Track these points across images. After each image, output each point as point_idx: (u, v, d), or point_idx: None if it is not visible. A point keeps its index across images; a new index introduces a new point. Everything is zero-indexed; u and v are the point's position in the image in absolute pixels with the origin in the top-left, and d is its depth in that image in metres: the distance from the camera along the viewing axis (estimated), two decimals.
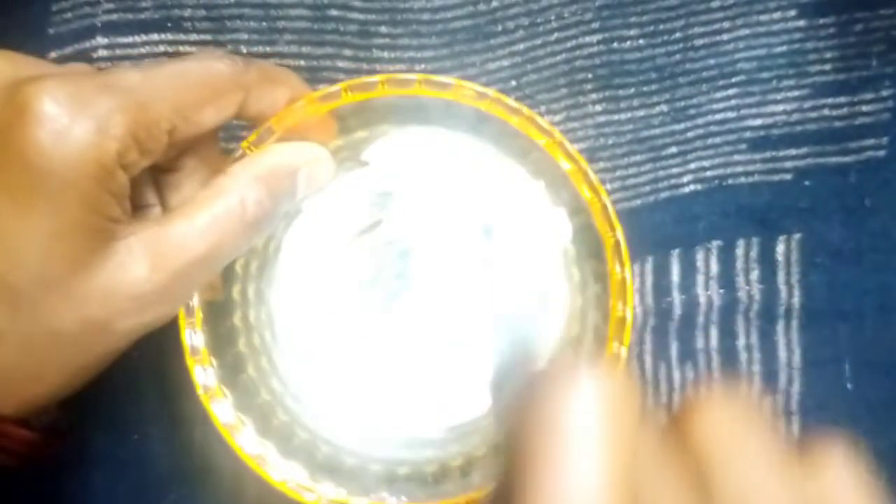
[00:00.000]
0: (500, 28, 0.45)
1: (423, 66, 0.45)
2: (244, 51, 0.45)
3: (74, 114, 0.31)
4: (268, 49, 0.45)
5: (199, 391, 0.38)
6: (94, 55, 0.45)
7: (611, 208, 0.38)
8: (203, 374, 0.38)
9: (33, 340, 0.33)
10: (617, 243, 0.38)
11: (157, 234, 0.34)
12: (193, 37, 0.45)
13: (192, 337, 0.38)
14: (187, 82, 0.35)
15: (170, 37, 0.45)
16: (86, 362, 0.34)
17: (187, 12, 0.45)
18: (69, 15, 0.45)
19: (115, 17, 0.45)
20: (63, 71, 0.35)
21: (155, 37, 0.45)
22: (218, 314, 0.39)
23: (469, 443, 0.40)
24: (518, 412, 0.23)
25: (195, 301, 0.38)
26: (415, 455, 0.40)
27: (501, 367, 0.30)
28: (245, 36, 0.45)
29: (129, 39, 0.45)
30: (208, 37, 0.45)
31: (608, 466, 0.22)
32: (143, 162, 0.34)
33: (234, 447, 0.37)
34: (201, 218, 0.35)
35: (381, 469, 0.40)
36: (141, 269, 0.33)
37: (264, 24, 0.45)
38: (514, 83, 0.45)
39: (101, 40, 0.45)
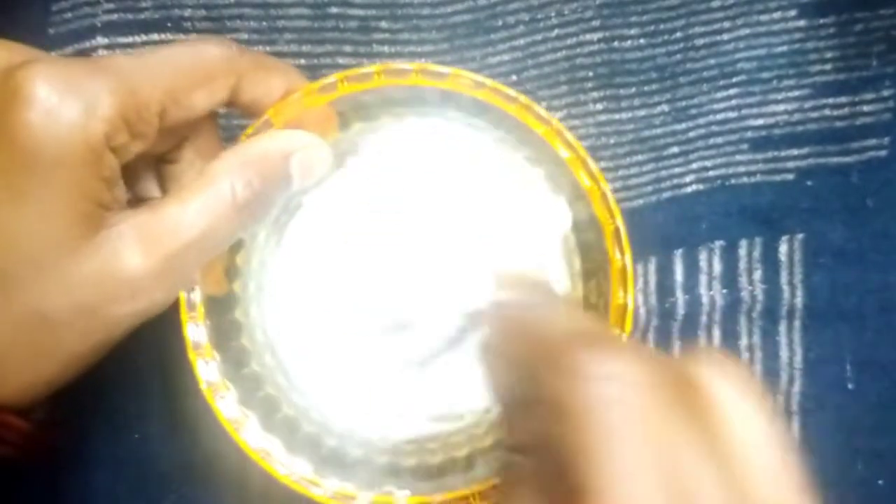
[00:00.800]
0: (500, 23, 0.45)
1: (423, 60, 0.45)
2: None
3: (64, 96, 0.32)
4: (268, 48, 0.45)
5: (203, 385, 0.37)
6: (95, 55, 0.45)
7: (610, 196, 0.38)
8: (206, 368, 0.38)
9: (24, 325, 0.33)
10: (617, 230, 0.38)
11: (149, 219, 0.34)
12: (193, 37, 0.45)
13: (195, 331, 0.38)
14: (178, 65, 0.35)
15: (170, 37, 0.45)
16: (80, 349, 0.34)
17: (187, 12, 0.45)
18: (69, 15, 0.45)
19: (115, 17, 0.45)
20: (56, 57, 0.35)
21: (155, 37, 0.45)
22: (220, 308, 0.39)
23: (473, 434, 0.40)
24: (560, 389, 0.25)
25: (197, 295, 0.38)
26: (419, 447, 0.40)
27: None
28: (245, 35, 0.45)
29: (129, 39, 0.45)
30: (207, 35, 0.45)
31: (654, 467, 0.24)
32: (135, 146, 0.34)
33: (239, 442, 0.37)
34: (192, 202, 0.35)
35: (386, 461, 0.40)
36: (133, 254, 0.33)
37: (264, 23, 0.45)
38: (514, 78, 0.45)
39: (101, 40, 0.45)
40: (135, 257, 0.33)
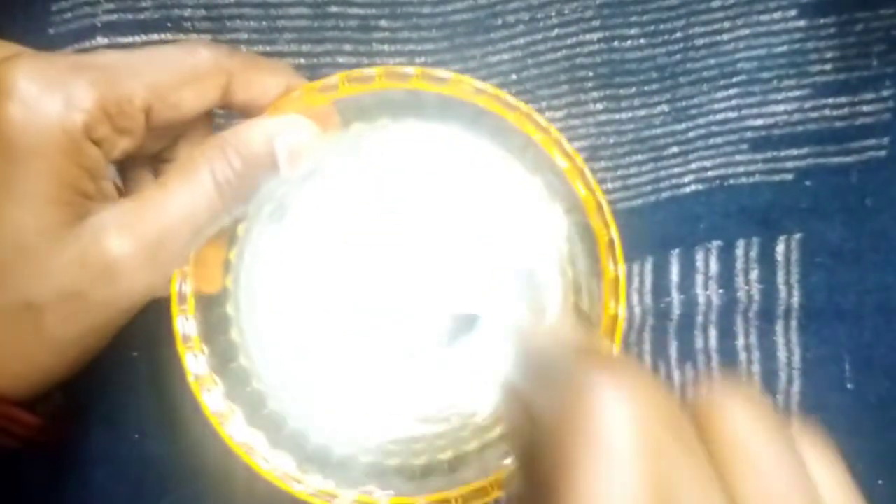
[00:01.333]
0: (500, 22, 0.45)
1: (423, 59, 0.45)
2: (244, 50, 0.45)
3: (44, 88, 0.33)
4: (268, 48, 0.45)
5: (190, 379, 0.38)
6: None
7: (606, 206, 0.38)
8: (194, 361, 0.38)
9: (9, 312, 0.34)
10: (611, 241, 0.38)
11: (130, 205, 0.35)
12: (193, 37, 0.45)
13: (184, 324, 0.38)
14: (164, 62, 0.36)
15: (170, 37, 0.45)
16: (67, 335, 0.35)
17: (187, 12, 0.45)
18: (69, 15, 0.45)
19: (115, 17, 0.45)
20: (40, 52, 0.36)
21: (155, 37, 0.45)
22: (210, 302, 0.39)
23: (458, 437, 0.40)
24: (555, 409, 0.23)
25: (188, 288, 0.38)
26: (404, 448, 0.40)
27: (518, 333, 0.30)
28: (245, 35, 0.45)
29: (129, 39, 0.45)
30: (208, 37, 0.45)
31: (644, 479, 0.22)
32: (123, 142, 0.35)
33: (223, 436, 0.37)
34: (172, 186, 0.35)
35: (370, 461, 0.40)
36: (114, 237, 0.34)
37: (264, 23, 0.45)
38: (514, 77, 0.45)
39: (101, 40, 0.45)
40: (115, 240, 0.34)
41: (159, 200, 0.35)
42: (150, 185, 0.36)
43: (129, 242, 0.34)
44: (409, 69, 0.39)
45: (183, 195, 0.35)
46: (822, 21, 0.45)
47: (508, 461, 0.38)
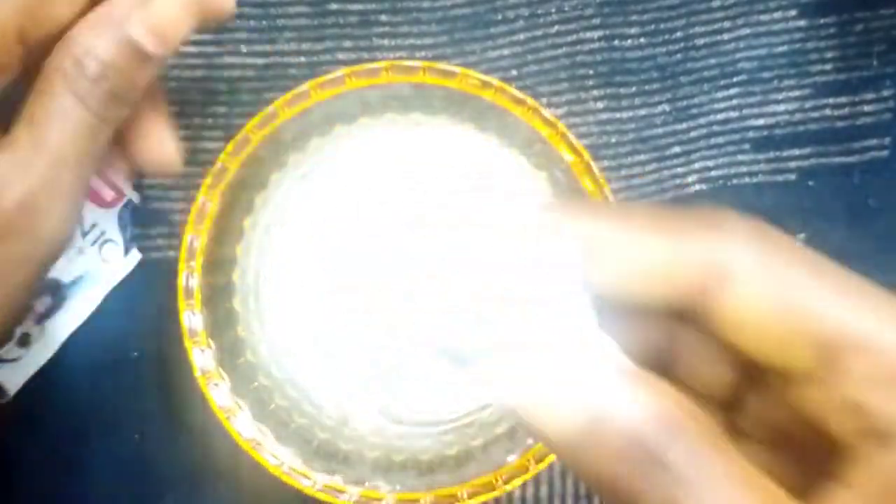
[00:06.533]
0: (500, 17, 0.45)
1: (423, 53, 0.45)
2: (244, 49, 0.45)
3: None
4: (268, 47, 0.45)
5: (197, 373, 0.37)
6: None
7: (612, 201, 0.38)
8: (201, 356, 0.38)
9: None
10: None
11: (6, 157, 0.31)
12: (192, 36, 0.45)
13: (191, 319, 0.38)
14: None
15: None
16: None
17: None
18: None
19: None
20: None
21: None
22: (218, 297, 0.39)
23: (465, 433, 0.40)
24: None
25: (194, 283, 0.37)
26: (411, 443, 0.40)
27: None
28: (245, 35, 0.45)
29: None
30: (207, 36, 0.45)
31: None
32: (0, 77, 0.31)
33: (230, 431, 0.37)
34: (40, 120, 0.31)
35: (377, 456, 0.40)
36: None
37: (264, 22, 0.45)
38: (514, 73, 0.45)
39: None
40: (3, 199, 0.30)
41: (34, 142, 0.31)
42: (18, 125, 0.31)
43: (17, 194, 0.30)
44: (415, 63, 0.38)
45: (54, 129, 0.31)
46: (822, 21, 0.45)
47: (513, 457, 0.38)
